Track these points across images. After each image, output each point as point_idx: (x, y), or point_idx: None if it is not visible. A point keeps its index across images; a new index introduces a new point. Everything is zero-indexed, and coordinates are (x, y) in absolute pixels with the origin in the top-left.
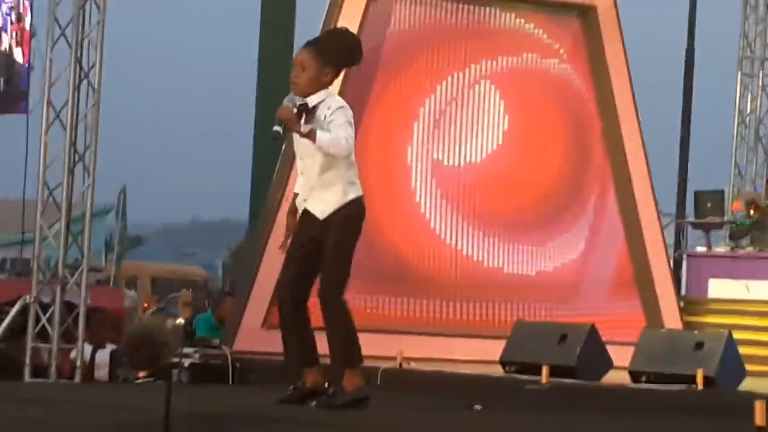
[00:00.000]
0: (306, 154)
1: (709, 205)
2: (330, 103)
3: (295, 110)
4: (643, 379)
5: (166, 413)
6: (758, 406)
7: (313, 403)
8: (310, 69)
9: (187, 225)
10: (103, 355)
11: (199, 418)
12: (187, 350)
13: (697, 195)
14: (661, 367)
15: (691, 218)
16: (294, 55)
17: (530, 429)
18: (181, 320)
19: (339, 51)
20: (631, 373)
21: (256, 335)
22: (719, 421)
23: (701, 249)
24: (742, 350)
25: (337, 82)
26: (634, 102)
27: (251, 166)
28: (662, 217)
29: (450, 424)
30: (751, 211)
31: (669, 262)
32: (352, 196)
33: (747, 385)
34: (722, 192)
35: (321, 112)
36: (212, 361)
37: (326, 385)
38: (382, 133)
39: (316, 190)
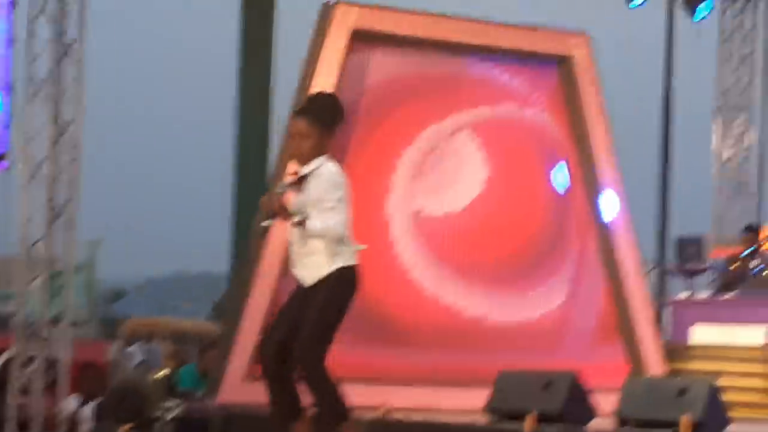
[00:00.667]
0: (296, 231)
1: (690, 250)
2: (321, 172)
3: (292, 180)
4: (628, 426)
5: None
6: None
7: None
8: (312, 137)
9: (170, 278)
10: (86, 409)
11: None
12: (170, 403)
13: (679, 241)
14: (646, 414)
15: (672, 263)
16: (290, 126)
17: None
18: (164, 372)
19: (332, 114)
20: (616, 419)
21: (241, 387)
22: None
23: (684, 295)
24: (726, 396)
25: None
26: (613, 149)
27: (230, 219)
28: (644, 263)
29: None
30: (731, 267)
31: (651, 308)
32: (340, 264)
33: (731, 431)
34: (703, 237)
35: (315, 182)
36: (196, 415)
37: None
38: (361, 184)
39: (305, 258)
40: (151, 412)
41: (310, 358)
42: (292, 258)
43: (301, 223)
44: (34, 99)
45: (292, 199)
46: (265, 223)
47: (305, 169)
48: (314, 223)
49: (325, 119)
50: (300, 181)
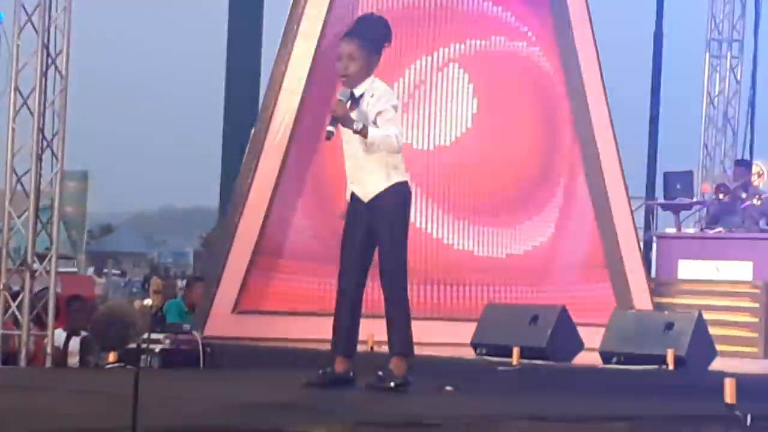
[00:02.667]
0: (351, 138)
1: (678, 186)
2: (374, 90)
3: (348, 103)
4: (614, 360)
5: (135, 397)
6: (728, 383)
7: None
8: (360, 59)
9: (158, 213)
10: (75, 342)
11: (168, 401)
12: (157, 336)
13: (667, 176)
14: (632, 348)
15: (660, 200)
16: (339, 48)
17: (501, 409)
18: (148, 301)
19: (379, 35)
20: (601, 354)
21: (227, 320)
22: (690, 401)
23: (671, 230)
24: (712, 330)
25: (306, 62)
26: (603, 84)
27: (221, 154)
28: (631, 198)
29: (421, 405)
30: (721, 195)
31: (639, 243)
32: (395, 179)
33: (717, 365)
34: (691, 173)
35: (365, 100)
36: (183, 347)
37: (352, 374)
38: None
39: (361, 173)
40: (137, 340)
41: (398, 289)
42: (348, 174)
43: (361, 132)
44: (22, 30)
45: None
46: (330, 128)
47: (357, 91)
48: (375, 131)
49: (373, 42)
50: (353, 101)
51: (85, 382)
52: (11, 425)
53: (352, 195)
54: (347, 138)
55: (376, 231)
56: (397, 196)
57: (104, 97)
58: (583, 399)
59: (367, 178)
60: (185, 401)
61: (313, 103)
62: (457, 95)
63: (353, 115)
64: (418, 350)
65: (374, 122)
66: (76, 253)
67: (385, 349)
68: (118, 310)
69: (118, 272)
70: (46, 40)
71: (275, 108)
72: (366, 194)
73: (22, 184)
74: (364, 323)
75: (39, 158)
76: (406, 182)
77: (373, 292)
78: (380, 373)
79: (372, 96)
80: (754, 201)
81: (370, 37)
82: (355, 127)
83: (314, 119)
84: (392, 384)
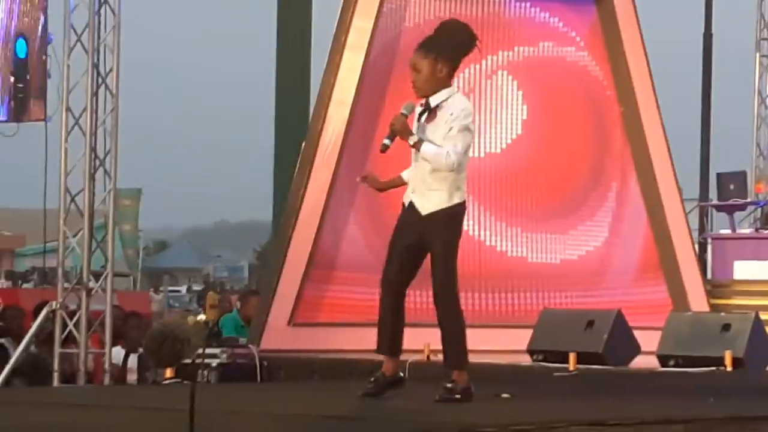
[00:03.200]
0: (416, 154)
1: (732, 186)
2: (453, 106)
3: (419, 110)
4: (672, 362)
5: (191, 412)
6: None
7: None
8: (424, 69)
9: (212, 228)
10: (133, 359)
11: (226, 416)
12: (214, 350)
13: (720, 177)
14: (689, 350)
15: (714, 201)
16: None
17: (558, 414)
18: (202, 316)
19: (447, 43)
20: (659, 357)
21: (283, 333)
22: (749, 402)
23: (725, 231)
24: None
25: (355, 73)
26: (653, 86)
27: (273, 168)
28: (685, 200)
29: (477, 412)
30: None
31: (694, 245)
32: (456, 201)
33: None
34: (744, 173)
35: (444, 113)
36: (239, 360)
37: (401, 375)
38: None
39: (423, 187)
40: (191, 356)
41: (450, 298)
42: (411, 182)
43: (415, 145)
44: (72, 50)
45: (417, 126)
46: (386, 142)
47: (434, 100)
48: (429, 147)
49: (438, 51)
50: (429, 111)
51: (142, 398)
52: None
53: (410, 203)
54: (413, 151)
55: (428, 246)
56: (455, 217)
57: (156, 114)
58: (640, 403)
59: (429, 192)
60: (242, 415)
61: (363, 114)
62: (507, 102)
63: (417, 128)
64: (475, 357)
65: (443, 138)
66: (132, 270)
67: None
68: (171, 327)
69: (176, 289)
70: (96, 60)
71: (325, 120)
72: (424, 208)
73: (75, 203)
74: (420, 332)
75: (92, 177)
76: (464, 203)
77: (428, 300)
78: (448, 385)
79: (451, 114)
80: None
81: (436, 47)
82: (410, 141)
83: (364, 130)
84: (460, 395)
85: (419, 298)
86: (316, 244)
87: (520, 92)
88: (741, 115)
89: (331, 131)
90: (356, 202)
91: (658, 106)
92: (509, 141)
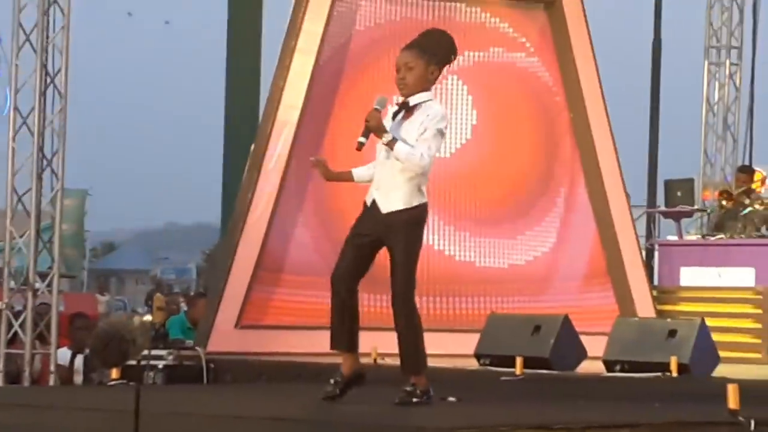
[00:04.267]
0: (384, 151)
1: (679, 193)
2: (429, 108)
3: (393, 108)
4: (617, 368)
5: (136, 414)
6: (731, 389)
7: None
8: (417, 68)
9: (160, 230)
10: (80, 360)
11: (171, 417)
12: (160, 352)
13: (667, 184)
14: (635, 356)
15: (661, 207)
16: (398, 58)
17: (505, 418)
18: (149, 317)
19: (441, 49)
20: (605, 362)
21: (230, 335)
22: (693, 407)
23: (673, 238)
24: (715, 337)
25: (305, 77)
26: (602, 93)
27: (222, 171)
28: (633, 207)
29: (424, 416)
30: (724, 202)
31: (641, 251)
32: (417, 202)
33: (720, 371)
34: (692, 180)
35: (420, 115)
36: (186, 362)
37: (363, 368)
38: (349, 130)
39: (388, 186)
40: (137, 356)
41: (407, 303)
42: (375, 179)
43: (389, 144)
44: (20, 50)
45: (391, 124)
46: (361, 140)
47: (412, 100)
48: (402, 146)
49: (432, 55)
50: (406, 110)
51: (87, 399)
52: None
53: (373, 201)
54: (379, 148)
55: (387, 246)
56: (417, 222)
57: (105, 116)
58: (586, 407)
59: (392, 191)
60: (187, 416)
61: (312, 117)
62: (457, 107)
63: (392, 125)
64: None
65: (416, 140)
66: (74, 271)
67: (389, 361)
68: (116, 327)
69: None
70: (44, 60)
71: (274, 123)
72: (386, 206)
73: (22, 204)
74: (367, 335)
75: (39, 177)
76: (425, 204)
77: (375, 304)
78: (408, 388)
79: (427, 115)
80: (757, 206)
81: (431, 50)
82: (384, 139)
83: (314, 134)
84: (419, 398)
85: (366, 301)
86: (264, 247)
87: (470, 97)
88: (689, 123)
89: (281, 135)
90: (305, 206)
91: (607, 113)
92: (458, 145)
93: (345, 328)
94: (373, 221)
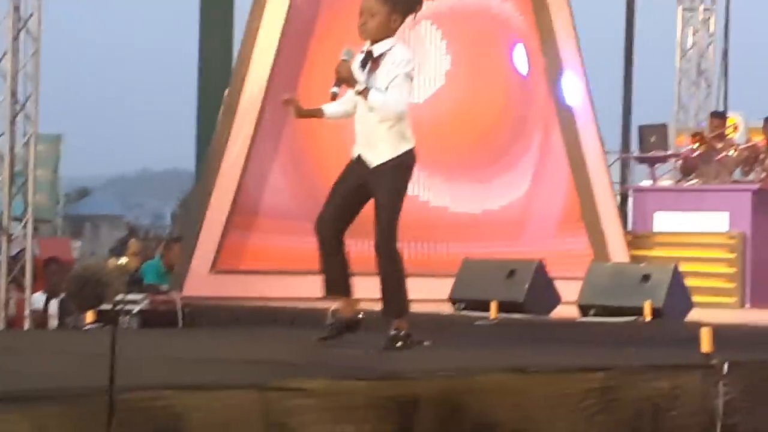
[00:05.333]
0: (364, 104)
1: (653, 139)
2: (395, 55)
3: (362, 57)
4: (591, 312)
5: (112, 356)
6: (704, 333)
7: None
8: (379, 15)
9: (135, 176)
10: (54, 305)
11: (147, 360)
12: (135, 297)
13: (641, 129)
14: (609, 301)
15: (635, 153)
16: (361, 4)
17: (479, 361)
18: (124, 259)
19: None
20: (579, 306)
21: (205, 280)
22: (667, 350)
23: (646, 183)
24: (689, 282)
25: (280, 20)
26: (576, 39)
27: (196, 115)
28: (607, 152)
29: (399, 360)
30: (696, 145)
31: (615, 197)
32: (404, 148)
33: (694, 315)
34: (665, 126)
35: (386, 62)
36: (161, 307)
37: (360, 315)
38: (325, 74)
39: (371, 139)
40: (112, 299)
41: (390, 246)
42: (358, 135)
43: (362, 93)
44: None
45: (360, 76)
46: (334, 90)
47: (377, 49)
48: (376, 94)
49: (396, 2)
50: (372, 60)
51: (63, 342)
52: None
53: (359, 156)
54: (358, 101)
55: (372, 194)
56: (403, 167)
57: (79, 60)
58: (561, 351)
59: (377, 144)
60: (162, 359)
61: (287, 60)
62: (430, 52)
63: (362, 75)
64: None
65: (386, 88)
66: (53, 217)
67: (363, 305)
68: (92, 270)
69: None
70: (17, 3)
71: (249, 67)
72: (374, 159)
73: None
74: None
75: (12, 122)
76: (412, 150)
77: (354, 249)
78: (391, 332)
79: (393, 62)
80: (731, 152)
81: None
82: (357, 88)
83: (289, 77)
84: (403, 342)
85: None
86: (240, 191)
87: (444, 42)
88: (663, 69)
89: (255, 78)
90: (280, 151)
91: (581, 58)
92: (432, 91)
93: (336, 273)
94: (359, 172)
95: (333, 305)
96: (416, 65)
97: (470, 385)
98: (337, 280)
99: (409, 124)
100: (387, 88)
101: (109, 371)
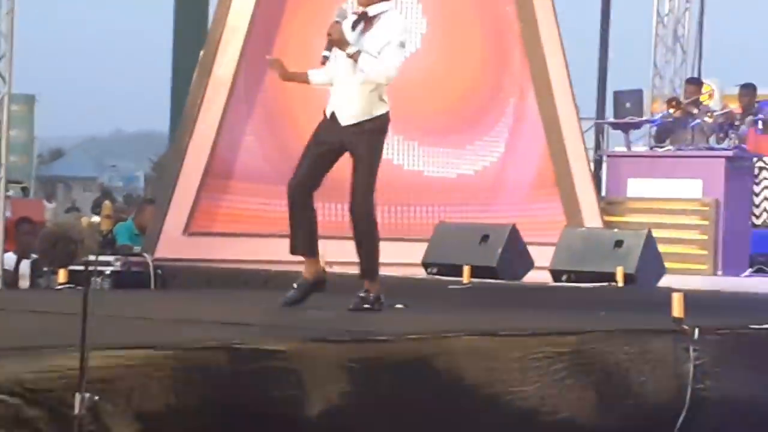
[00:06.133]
0: (344, 62)
1: (628, 105)
2: (390, 20)
3: (353, 18)
4: (564, 277)
5: (84, 315)
6: (676, 298)
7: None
8: None
9: (108, 137)
10: (25, 266)
11: (120, 320)
12: (108, 258)
13: (616, 95)
14: (582, 266)
15: (610, 119)
16: None
17: (452, 324)
18: (96, 219)
19: None
20: (552, 271)
21: (178, 242)
22: (639, 315)
23: (621, 149)
24: (662, 248)
25: None
26: (553, 4)
27: (171, 77)
28: (582, 119)
29: (371, 322)
30: (672, 110)
31: (589, 163)
32: (380, 111)
33: (666, 282)
34: (641, 92)
35: (380, 26)
36: (134, 268)
37: (325, 273)
38: (301, 38)
39: (348, 98)
40: (84, 256)
41: (366, 207)
42: (333, 94)
43: (353, 56)
44: None
45: (351, 37)
46: (325, 53)
47: (371, 10)
48: (367, 58)
49: None
50: (365, 20)
51: (35, 302)
52: None
53: (332, 114)
54: (339, 61)
55: (351, 153)
56: (379, 126)
57: (52, 19)
58: (533, 316)
59: (352, 104)
60: (134, 319)
61: (262, 23)
62: (406, 16)
63: (353, 37)
64: None
65: (379, 52)
66: (27, 179)
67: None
68: (64, 228)
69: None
70: None
71: (224, 29)
72: (348, 119)
73: None
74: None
75: None
76: (388, 112)
77: (326, 213)
78: (361, 294)
79: (388, 27)
80: (706, 118)
81: None
82: (349, 50)
83: (264, 39)
84: (371, 304)
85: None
86: (213, 154)
87: (420, 5)
88: (639, 35)
89: (230, 41)
90: (254, 114)
91: (557, 24)
92: (407, 55)
93: (303, 232)
94: (333, 132)
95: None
96: (409, 35)
97: (441, 347)
98: (303, 240)
99: (386, 89)
100: (379, 53)
101: (80, 330)
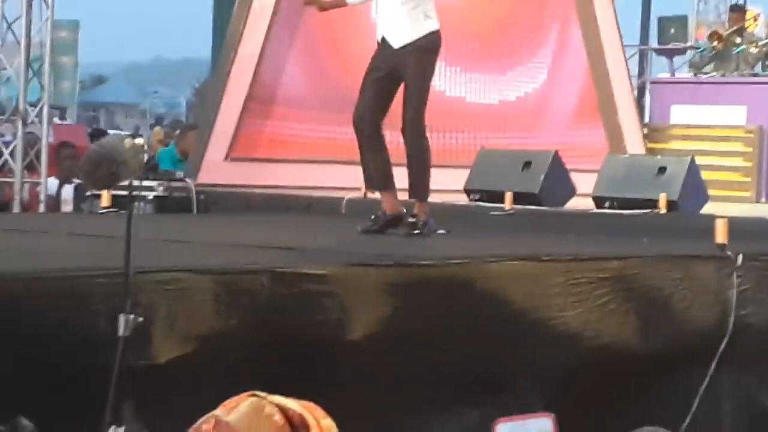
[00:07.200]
0: None
1: (672, 30)
2: None
3: None
4: (607, 204)
5: (128, 239)
6: (720, 224)
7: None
8: None
9: (150, 64)
10: (69, 190)
11: (164, 244)
12: (150, 183)
13: (661, 21)
14: (625, 192)
15: (654, 45)
16: None
17: (493, 249)
18: (140, 140)
19: None
20: (594, 198)
21: (220, 168)
22: (681, 242)
23: (664, 75)
24: (705, 175)
25: None
26: None
27: (212, 3)
28: (626, 46)
29: (413, 246)
30: (715, 42)
31: (632, 89)
32: (429, 29)
33: (709, 209)
34: (686, 17)
35: None
36: (176, 194)
37: (404, 210)
38: None
39: (395, 21)
40: (128, 178)
41: (419, 127)
42: (381, 20)
43: None
44: None
45: None
46: None
47: None
48: None
49: None
50: None
51: (78, 225)
52: (7, 263)
53: (383, 39)
54: None
55: (402, 78)
56: (429, 49)
57: None
58: (575, 242)
59: (401, 25)
60: (177, 243)
61: None
62: None
63: None
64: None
65: None
66: (71, 104)
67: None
68: (107, 149)
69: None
70: None
71: None
72: (398, 41)
73: (13, 32)
74: (356, 169)
75: (29, 5)
76: (437, 31)
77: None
78: (411, 219)
79: None
80: (751, 49)
81: None
82: None
83: None
84: (421, 230)
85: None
86: (255, 80)
87: None
88: None
89: None
90: (297, 39)
91: None
92: None
93: (377, 167)
94: (387, 57)
95: (348, 195)
96: None
97: (484, 272)
98: (377, 175)
99: (434, 7)
100: None
101: (125, 253)
